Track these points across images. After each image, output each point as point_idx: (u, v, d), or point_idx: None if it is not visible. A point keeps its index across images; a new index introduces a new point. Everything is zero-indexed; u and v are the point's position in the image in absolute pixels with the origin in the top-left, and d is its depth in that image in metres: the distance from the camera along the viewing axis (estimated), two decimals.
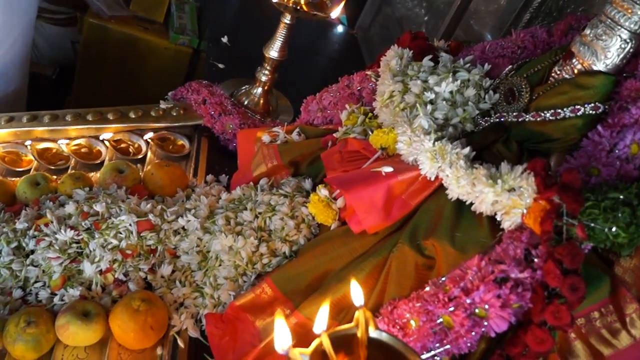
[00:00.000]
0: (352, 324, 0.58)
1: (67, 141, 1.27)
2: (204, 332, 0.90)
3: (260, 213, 1.01)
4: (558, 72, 0.82)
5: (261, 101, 1.49)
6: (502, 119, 0.85)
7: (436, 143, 0.79)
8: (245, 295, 0.89)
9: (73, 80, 2.22)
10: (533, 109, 0.81)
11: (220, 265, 0.96)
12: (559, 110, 0.78)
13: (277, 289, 0.88)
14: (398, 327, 0.74)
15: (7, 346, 0.85)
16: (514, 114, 0.83)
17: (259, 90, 1.49)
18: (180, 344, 0.89)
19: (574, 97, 0.77)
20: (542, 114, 0.79)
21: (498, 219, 0.73)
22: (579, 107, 0.77)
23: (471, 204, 0.76)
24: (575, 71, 0.79)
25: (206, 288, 0.94)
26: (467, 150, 0.78)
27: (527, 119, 0.81)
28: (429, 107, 0.87)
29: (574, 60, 0.79)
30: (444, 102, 0.88)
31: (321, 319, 0.57)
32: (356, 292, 0.58)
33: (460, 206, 0.78)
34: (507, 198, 0.71)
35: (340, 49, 2.18)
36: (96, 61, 2.14)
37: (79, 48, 2.19)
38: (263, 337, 0.86)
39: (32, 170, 1.22)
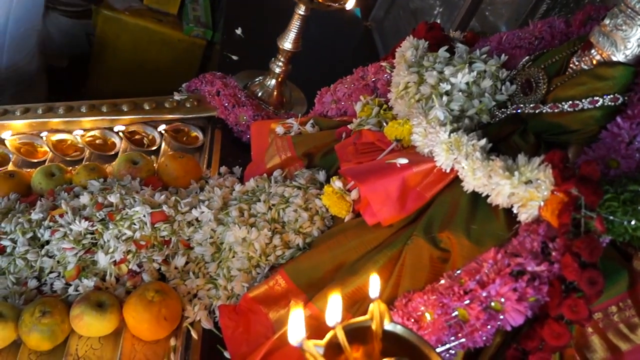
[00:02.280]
0: (367, 316, 0.57)
1: (82, 132, 1.28)
2: (217, 323, 0.91)
3: (273, 205, 1.01)
4: (576, 63, 0.81)
5: (275, 93, 1.48)
6: (518, 111, 0.84)
7: (452, 134, 0.78)
8: (258, 287, 0.89)
9: (87, 72, 2.23)
10: (551, 101, 0.79)
11: (233, 256, 0.96)
12: (577, 102, 0.77)
13: (291, 281, 0.88)
14: (412, 320, 0.73)
15: (23, 336, 0.86)
16: (531, 105, 0.82)
17: (273, 81, 1.48)
18: (194, 335, 0.89)
19: (592, 88, 0.76)
20: (560, 106, 0.78)
21: (515, 211, 0.72)
22: (597, 98, 0.75)
23: (487, 196, 0.75)
24: (594, 62, 0.77)
25: (220, 279, 0.94)
26: (483, 141, 0.77)
27: (544, 111, 0.80)
28: (445, 98, 0.86)
29: (592, 51, 0.78)
30: (460, 93, 0.87)
31: (334, 311, 0.56)
32: (374, 285, 0.57)
33: (476, 198, 0.78)
34: (524, 190, 0.70)
35: (354, 41, 2.17)
36: (110, 53, 2.15)
37: (93, 40, 2.20)
38: (276, 329, 0.86)
39: (47, 161, 1.23)
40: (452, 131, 0.79)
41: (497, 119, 0.86)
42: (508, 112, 0.86)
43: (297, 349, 0.82)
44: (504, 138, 0.84)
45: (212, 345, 0.88)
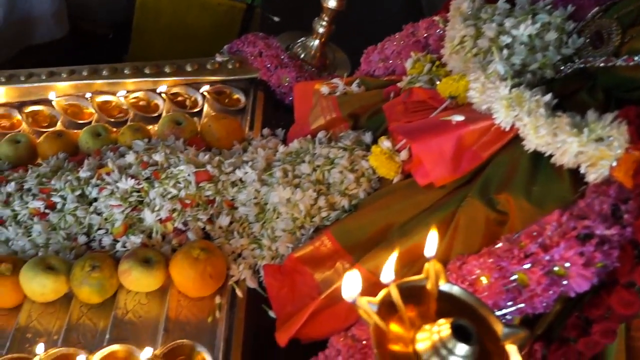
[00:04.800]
0: (422, 275, 0.55)
1: (126, 94, 1.27)
2: (262, 283, 0.90)
3: (318, 166, 0.98)
4: None
5: (318, 54, 1.44)
6: (587, 65, 0.78)
7: (513, 90, 0.74)
8: (304, 248, 0.87)
9: (129, 38, 2.23)
10: (625, 53, 0.74)
11: (277, 217, 0.94)
12: None
13: (337, 242, 0.86)
14: (467, 283, 0.70)
15: (74, 289, 0.88)
16: (602, 58, 0.76)
17: (316, 42, 1.44)
18: (239, 293, 0.88)
19: None
20: (636, 58, 0.72)
21: (582, 171, 0.68)
22: None
23: (550, 156, 0.71)
24: None
25: (264, 240, 0.93)
26: (548, 97, 0.72)
27: (617, 64, 0.74)
28: (505, 51, 0.81)
29: None
30: (522, 46, 0.81)
31: (389, 269, 0.54)
32: (431, 243, 0.54)
33: (538, 158, 0.74)
34: (593, 148, 0.65)
35: (399, 1, 2.09)
36: (152, 19, 2.14)
37: (135, 6, 2.19)
38: (322, 289, 0.84)
39: (92, 122, 1.24)
40: (513, 86, 0.74)
41: (562, 75, 0.81)
42: (575, 67, 0.81)
43: (344, 309, 0.82)
44: (570, 95, 0.79)
45: (257, 305, 0.88)
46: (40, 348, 0.76)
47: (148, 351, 0.77)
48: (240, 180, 1.02)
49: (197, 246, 0.88)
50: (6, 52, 1.55)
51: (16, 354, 0.80)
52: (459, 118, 0.78)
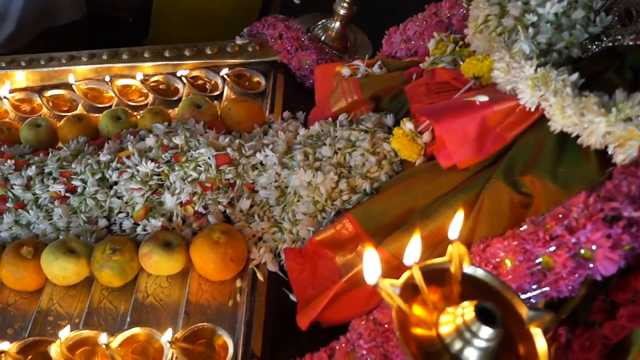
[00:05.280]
0: (445, 257, 0.54)
1: (146, 77, 1.27)
2: (283, 266, 0.89)
3: (339, 149, 0.97)
4: None
5: (339, 36, 1.42)
6: (615, 44, 0.76)
7: (539, 69, 0.72)
8: (325, 231, 0.87)
9: (149, 22, 2.23)
10: None
11: (298, 201, 0.94)
12: None
13: (359, 225, 0.85)
14: (491, 266, 0.69)
15: (95, 272, 0.88)
16: (631, 36, 0.74)
17: (337, 24, 1.42)
18: (260, 277, 0.88)
19: None
20: None
21: (610, 152, 0.66)
22: None
23: (576, 137, 0.69)
24: None
25: (285, 223, 0.93)
26: (574, 76, 0.70)
27: None
28: (531, 30, 0.79)
29: None
30: (548, 25, 0.79)
31: (413, 251, 0.53)
32: (455, 225, 0.53)
33: (564, 139, 0.72)
34: (622, 129, 0.63)
35: None
36: (171, 2, 2.13)
37: None
38: (343, 273, 0.84)
39: (113, 105, 1.25)
40: (538, 66, 0.73)
41: (590, 54, 0.79)
42: (603, 46, 0.78)
43: (365, 293, 0.81)
44: (597, 74, 0.77)
45: (278, 288, 0.88)
46: (65, 331, 0.77)
47: (169, 334, 0.77)
48: (261, 163, 1.02)
49: (217, 229, 0.88)
50: (26, 36, 1.56)
51: (38, 337, 0.81)
52: (483, 98, 0.76)
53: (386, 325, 0.69)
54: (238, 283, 0.89)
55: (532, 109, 0.74)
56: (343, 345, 0.71)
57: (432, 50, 0.98)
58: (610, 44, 0.77)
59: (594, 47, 0.78)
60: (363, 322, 0.71)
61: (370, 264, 0.50)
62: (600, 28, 0.79)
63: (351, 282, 0.81)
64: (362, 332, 0.70)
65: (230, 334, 0.80)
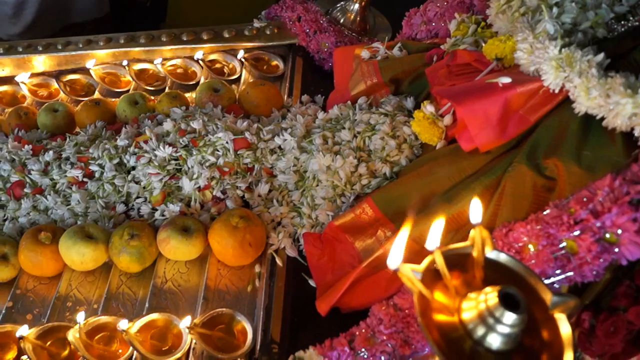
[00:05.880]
0: (467, 242, 0.53)
1: (163, 61, 1.27)
2: (301, 251, 0.89)
3: (359, 132, 0.95)
4: None
5: (358, 18, 1.40)
6: None
7: (563, 50, 0.70)
8: (344, 216, 0.86)
9: (167, 6, 2.23)
10: None
11: (317, 185, 0.93)
12: None
13: (378, 210, 0.84)
14: (514, 251, 0.67)
15: (113, 257, 0.88)
16: None
17: (356, 6, 1.39)
18: (279, 262, 0.87)
19: None
20: None
21: (636, 134, 0.64)
22: None
23: (601, 119, 0.67)
24: None
25: (304, 208, 0.92)
26: (600, 57, 0.68)
27: None
28: (555, 10, 0.76)
29: None
30: (573, 4, 0.76)
31: (434, 235, 0.51)
32: (475, 209, 0.52)
33: (589, 122, 0.70)
34: None
35: None
36: None
37: None
38: (363, 258, 0.83)
39: (130, 90, 1.24)
40: (563, 46, 0.70)
41: (616, 34, 0.76)
42: (629, 25, 0.75)
43: (385, 278, 0.80)
44: (623, 55, 0.74)
45: (297, 273, 0.87)
46: (80, 316, 0.77)
47: (187, 320, 0.77)
48: (279, 147, 1.01)
49: (236, 214, 0.87)
50: (44, 30, 1.56)
51: (57, 322, 0.82)
52: (506, 80, 0.74)
53: (407, 311, 0.68)
54: (257, 268, 0.88)
55: (556, 91, 0.71)
56: (363, 330, 0.70)
57: (454, 32, 0.95)
58: (637, 24, 0.74)
59: (620, 26, 0.76)
60: (383, 308, 0.70)
61: (399, 246, 0.49)
62: (626, 7, 0.77)
63: (371, 267, 0.80)
64: (383, 318, 0.69)
65: (249, 319, 0.80)
